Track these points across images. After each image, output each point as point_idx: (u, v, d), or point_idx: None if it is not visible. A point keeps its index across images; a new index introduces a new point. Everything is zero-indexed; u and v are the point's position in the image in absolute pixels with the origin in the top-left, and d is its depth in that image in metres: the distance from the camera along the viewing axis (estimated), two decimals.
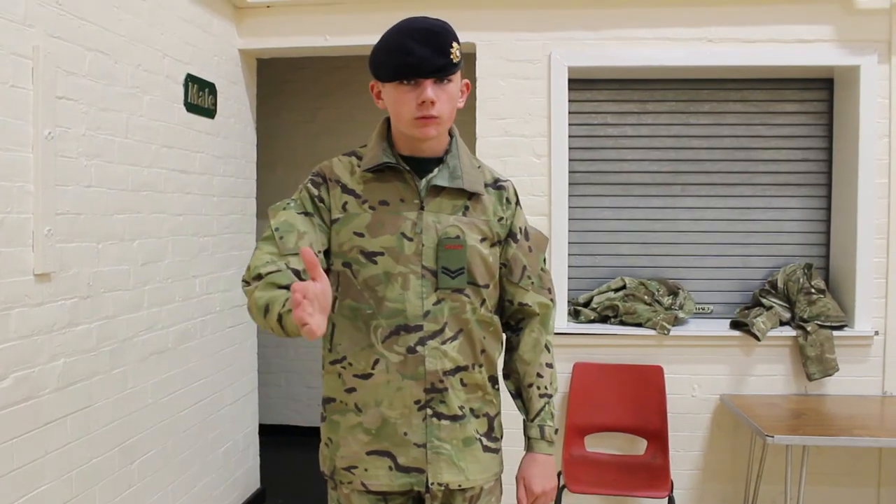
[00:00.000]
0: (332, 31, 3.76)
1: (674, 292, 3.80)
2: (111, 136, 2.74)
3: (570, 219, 3.77)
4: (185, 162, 3.28)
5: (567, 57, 3.68)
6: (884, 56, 3.57)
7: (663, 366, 3.66)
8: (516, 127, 3.71)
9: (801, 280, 3.68)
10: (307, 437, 4.84)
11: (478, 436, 1.78)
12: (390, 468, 1.72)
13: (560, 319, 3.68)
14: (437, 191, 1.72)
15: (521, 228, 1.84)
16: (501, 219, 1.79)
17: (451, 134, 1.77)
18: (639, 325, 3.69)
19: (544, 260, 1.91)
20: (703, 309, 3.90)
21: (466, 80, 1.74)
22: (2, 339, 2.21)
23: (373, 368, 1.70)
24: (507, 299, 1.85)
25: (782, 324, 3.67)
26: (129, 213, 2.87)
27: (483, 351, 1.77)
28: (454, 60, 1.62)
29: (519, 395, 1.89)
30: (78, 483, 2.56)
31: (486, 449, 1.79)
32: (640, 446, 3.67)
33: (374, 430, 1.72)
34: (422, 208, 1.70)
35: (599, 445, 3.70)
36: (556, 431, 1.88)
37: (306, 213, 1.71)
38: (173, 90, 3.17)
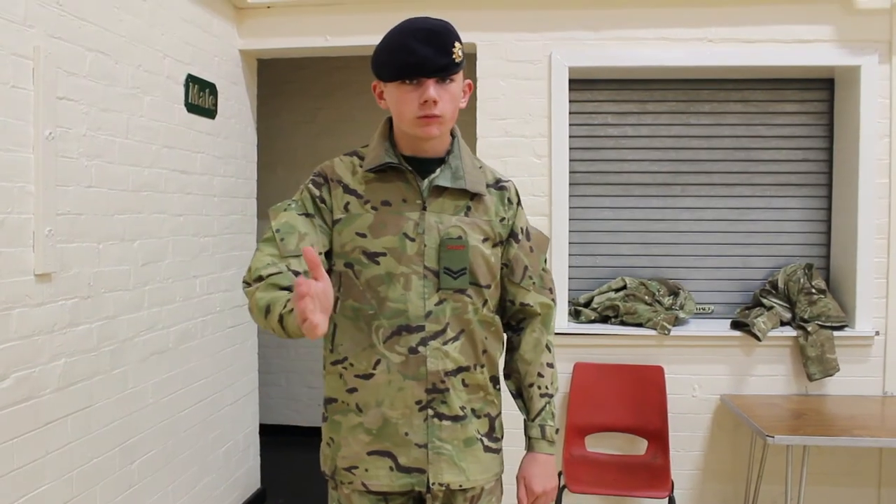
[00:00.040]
0: (333, 31, 3.76)
1: (674, 292, 3.80)
2: (112, 137, 2.74)
3: (570, 219, 3.77)
4: (185, 162, 3.28)
5: (567, 57, 3.68)
6: (884, 56, 3.57)
7: (664, 366, 3.66)
8: (517, 127, 3.71)
9: (802, 280, 3.68)
10: (308, 437, 4.85)
11: (479, 436, 1.78)
12: (391, 468, 1.72)
13: (560, 319, 3.68)
14: (439, 191, 1.72)
15: (522, 229, 1.84)
16: (503, 219, 1.79)
17: (453, 134, 1.77)
18: (639, 325, 3.69)
19: (545, 260, 1.91)
20: (704, 309, 3.90)
21: (469, 81, 1.74)
22: (2, 340, 2.21)
23: (374, 369, 1.70)
24: (509, 299, 1.85)
25: (783, 324, 3.67)
26: (130, 214, 2.87)
27: (485, 351, 1.77)
28: (456, 60, 1.62)
29: (520, 394, 1.89)
30: (78, 483, 2.56)
31: (487, 449, 1.79)
32: (640, 446, 3.67)
33: (375, 430, 1.72)
34: (424, 209, 1.70)
35: (600, 445, 3.70)
36: (557, 431, 1.88)
37: (307, 215, 1.71)
38: (174, 91, 3.17)
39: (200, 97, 3.38)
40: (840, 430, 3.12)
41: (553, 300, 1.89)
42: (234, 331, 3.81)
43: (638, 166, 3.93)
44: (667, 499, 3.26)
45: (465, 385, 1.74)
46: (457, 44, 1.62)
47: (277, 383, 5.40)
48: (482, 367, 1.78)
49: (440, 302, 1.70)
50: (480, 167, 1.81)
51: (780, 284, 3.73)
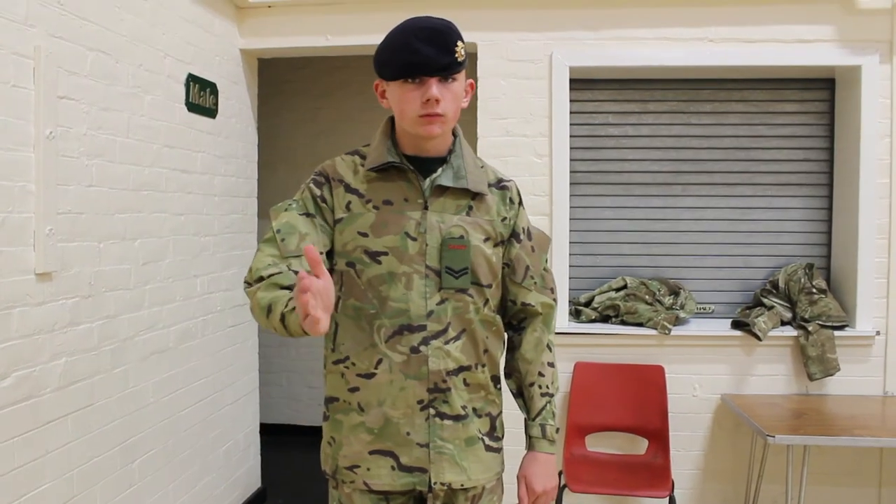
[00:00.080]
0: (333, 31, 3.76)
1: (675, 292, 3.80)
2: (112, 136, 2.74)
3: (571, 218, 3.77)
4: (186, 161, 3.28)
5: (568, 57, 3.68)
6: (885, 56, 3.56)
7: (664, 365, 3.66)
8: (517, 127, 3.71)
9: (803, 280, 3.68)
10: (308, 437, 4.85)
11: (480, 435, 1.78)
12: (393, 468, 1.72)
13: (561, 319, 3.68)
14: (441, 190, 1.72)
15: (524, 228, 1.84)
16: (505, 219, 1.79)
17: (454, 134, 1.77)
18: (640, 324, 3.69)
19: (546, 260, 1.91)
20: (705, 309, 3.90)
21: (471, 80, 1.74)
22: (3, 339, 2.21)
23: (376, 368, 1.70)
24: (510, 299, 1.85)
25: (783, 324, 3.67)
26: (131, 213, 2.87)
27: (486, 351, 1.78)
28: (459, 59, 1.62)
29: (520, 394, 1.89)
30: (79, 482, 2.56)
31: (488, 448, 1.79)
32: (640, 446, 3.67)
33: (376, 429, 1.72)
34: (426, 208, 1.70)
35: (600, 445, 3.70)
36: (558, 431, 1.88)
37: (308, 214, 1.71)
38: (175, 90, 3.17)
39: (201, 96, 3.38)
40: (841, 429, 3.12)
41: (554, 300, 1.90)
42: (235, 330, 3.81)
43: (639, 166, 3.93)
44: (667, 498, 3.26)
45: (466, 384, 1.75)
46: (459, 43, 1.62)
47: (278, 383, 5.40)
48: (483, 366, 1.78)
49: (442, 301, 1.70)
50: (482, 167, 1.81)
51: (781, 284, 3.73)
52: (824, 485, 3.64)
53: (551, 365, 1.88)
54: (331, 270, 1.74)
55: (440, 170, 1.73)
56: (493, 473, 1.81)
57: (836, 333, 3.57)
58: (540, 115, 3.70)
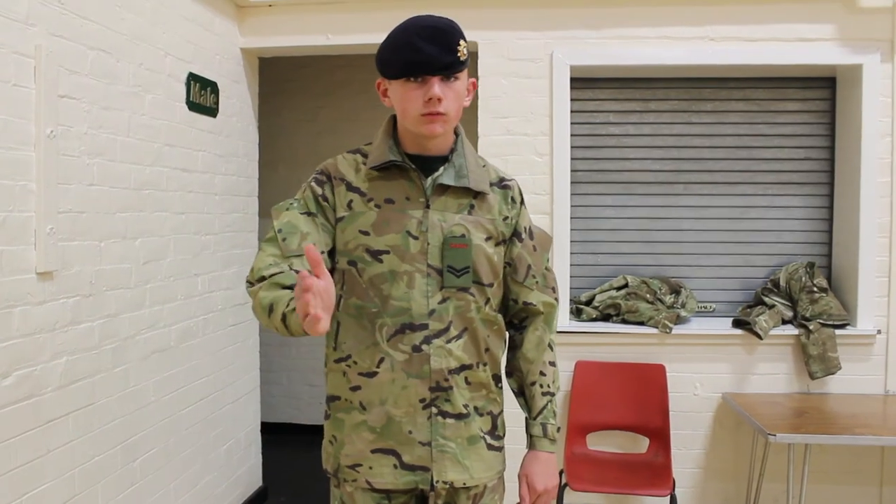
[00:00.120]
0: (334, 30, 3.76)
1: (676, 291, 3.80)
2: (113, 135, 2.74)
3: (572, 217, 3.77)
4: (187, 160, 3.28)
5: (569, 56, 3.67)
6: (886, 55, 3.56)
7: (665, 364, 3.66)
8: (518, 126, 3.71)
9: (804, 279, 3.68)
10: (309, 436, 4.85)
11: (482, 434, 1.78)
12: (395, 466, 1.72)
13: (562, 318, 3.68)
14: (442, 189, 1.72)
15: (525, 228, 1.84)
16: (506, 218, 1.79)
17: (456, 133, 1.77)
18: (641, 323, 3.69)
19: (548, 259, 1.91)
20: (706, 307, 3.89)
21: (473, 79, 1.74)
22: (4, 338, 2.21)
23: (378, 367, 1.70)
24: (512, 298, 1.85)
25: (784, 322, 3.67)
26: (132, 212, 2.87)
27: (487, 349, 1.77)
28: (461, 58, 1.62)
29: (521, 393, 1.89)
30: (80, 481, 2.56)
31: (489, 447, 1.79)
32: (642, 445, 3.67)
33: (378, 428, 1.72)
34: (427, 207, 1.70)
35: (601, 444, 3.70)
36: (559, 430, 1.88)
37: (309, 214, 1.71)
38: (175, 89, 3.17)
39: (202, 95, 3.38)
40: (842, 428, 3.12)
41: (556, 299, 1.89)
42: (236, 329, 3.81)
43: (639, 165, 3.93)
44: (668, 497, 3.26)
45: (468, 383, 1.74)
46: (462, 42, 1.62)
47: (279, 381, 5.40)
48: (485, 365, 1.78)
49: (443, 300, 1.69)
50: (484, 165, 1.81)
51: (782, 283, 3.73)
52: (825, 483, 3.64)
53: (552, 364, 1.88)
54: (332, 269, 1.75)
55: (442, 169, 1.73)
56: (494, 472, 1.81)
57: (838, 332, 3.57)
58: (541, 114, 3.70)
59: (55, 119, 2.39)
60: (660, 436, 3.58)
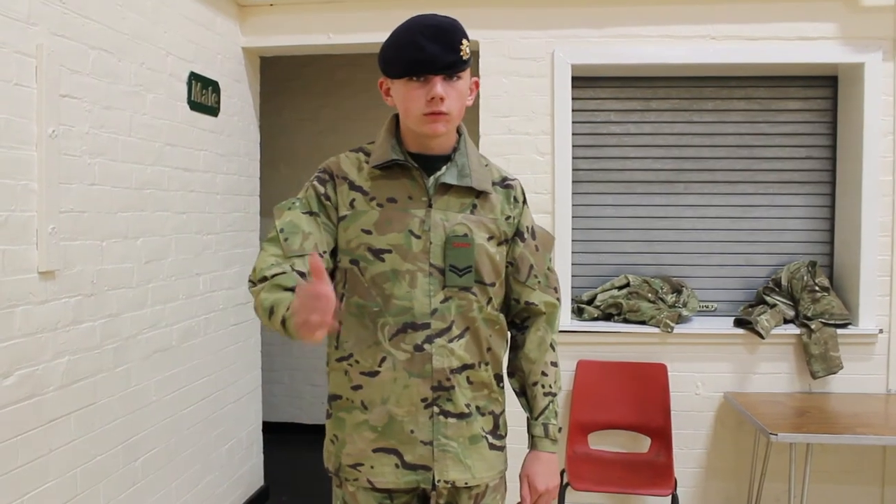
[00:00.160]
0: (335, 29, 3.76)
1: (677, 290, 3.80)
2: (115, 135, 2.74)
3: (573, 216, 3.77)
4: (188, 160, 3.28)
5: (570, 55, 3.67)
6: (888, 53, 3.56)
7: (667, 363, 3.66)
8: (520, 125, 3.71)
9: (805, 278, 3.68)
10: (311, 435, 4.84)
11: (484, 433, 1.78)
12: (396, 466, 1.72)
13: (564, 317, 3.67)
14: (445, 188, 1.72)
15: (528, 227, 1.83)
16: (509, 217, 1.79)
17: (459, 132, 1.77)
18: (642, 322, 3.68)
19: (550, 259, 1.91)
20: (707, 307, 3.89)
21: (476, 78, 1.74)
22: (6, 337, 2.21)
23: (380, 366, 1.70)
24: (514, 298, 1.85)
25: (786, 322, 3.67)
26: (133, 211, 2.87)
27: (489, 349, 1.77)
28: (464, 57, 1.62)
29: (523, 393, 1.88)
30: (82, 480, 2.56)
31: (491, 447, 1.79)
32: (643, 444, 3.66)
33: (380, 427, 1.72)
34: (430, 206, 1.70)
35: (603, 443, 3.70)
36: (560, 430, 1.88)
37: (311, 213, 1.71)
38: (177, 88, 3.17)
39: (203, 95, 3.38)
40: (843, 427, 3.12)
41: (558, 299, 1.89)
42: (238, 328, 3.81)
43: (641, 164, 3.93)
44: (670, 497, 3.26)
45: (469, 382, 1.74)
46: (464, 41, 1.62)
47: (281, 381, 5.40)
48: (487, 364, 1.77)
49: (445, 299, 1.69)
50: (486, 165, 1.81)
51: (784, 282, 3.73)
52: (827, 483, 3.64)
53: (554, 364, 1.87)
54: (334, 268, 1.75)
55: (444, 168, 1.73)
56: (496, 472, 1.81)
57: (839, 331, 3.56)
58: (542, 113, 3.70)
59: (57, 118, 2.39)
60: (661, 435, 3.58)
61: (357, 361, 1.72)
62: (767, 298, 3.73)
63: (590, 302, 3.84)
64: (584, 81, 3.84)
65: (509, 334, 1.90)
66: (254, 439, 4.06)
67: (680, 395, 3.66)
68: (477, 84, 1.75)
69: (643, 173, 3.93)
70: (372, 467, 1.73)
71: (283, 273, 1.59)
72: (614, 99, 3.93)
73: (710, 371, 3.68)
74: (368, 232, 1.69)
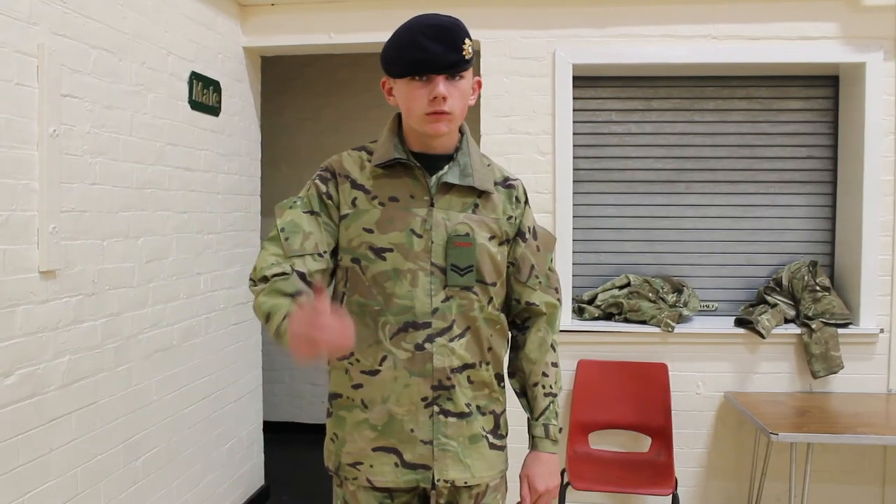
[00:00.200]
0: (336, 28, 3.76)
1: (678, 290, 3.80)
2: (116, 134, 2.74)
3: (574, 216, 3.77)
4: (189, 159, 3.28)
5: (571, 54, 3.67)
6: (890, 53, 3.56)
7: (667, 363, 3.66)
8: (521, 124, 3.71)
9: (806, 277, 3.68)
10: (312, 434, 4.84)
11: (484, 433, 1.78)
12: (396, 465, 1.72)
13: (564, 317, 3.67)
14: (447, 188, 1.72)
15: (529, 227, 1.83)
16: (510, 217, 1.79)
17: (461, 131, 1.77)
18: (643, 322, 3.68)
19: (552, 259, 1.90)
20: (708, 306, 3.89)
21: (478, 78, 1.74)
22: (7, 336, 2.21)
23: (380, 365, 1.70)
24: (515, 298, 1.85)
25: (787, 321, 3.67)
26: (134, 211, 2.87)
27: (490, 349, 1.77)
28: (466, 57, 1.62)
29: (524, 393, 1.88)
30: (83, 480, 2.56)
31: (492, 446, 1.79)
32: (644, 444, 3.66)
33: (380, 426, 1.72)
34: (432, 205, 1.70)
35: (603, 443, 3.70)
36: (561, 430, 1.88)
37: (312, 213, 1.71)
38: (178, 88, 3.17)
39: (204, 94, 3.38)
40: (844, 427, 3.12)
41: (559, 300, 1.89)
42: (238, 328, 3.81)
43: (642, 163, 3.93)
44: (670, 496, 3.26)
45: (470, 382, 1.74)
46: (467, 40, 1.62)
47: (281, 380, 5.41)
48: (487, 364, 1.77)
49: (447, 299, 1.69)
50: (489, 165, 1.81)
51: (785, 282, 3.73)
52: (827, 482, 3.64)
53: (555, 365, 1.87)
54: (335, 268, 1.75)
55: (447, 167, 1.73)
56: (496, 471, 1.81)
57: (840, 331, 3.56)
58: (543, 113, 3.70)
59: (58, 118, 2.39)
60: (662, 435, 3.58)
61: (358, 360, 1.72)
62: (768, 298, 3.73)
63: (590, 301, 3.84)
64: (585, 81, 3.84)
65: (510, 334, 1.90)
66: (254, 439, 4.07)
67: (680, 394, 3.66)
68: (480, 83, 1.75)
69: (644, 173, 3.93)
70: (371, 466, 1.73)
71: (284, 274, 1.60)
72: (615, 98, 3.93)
73: (711, 371, 3.68)
74: (370, 231, 1.69)
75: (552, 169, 3.70)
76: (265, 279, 1.61)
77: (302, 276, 1.63)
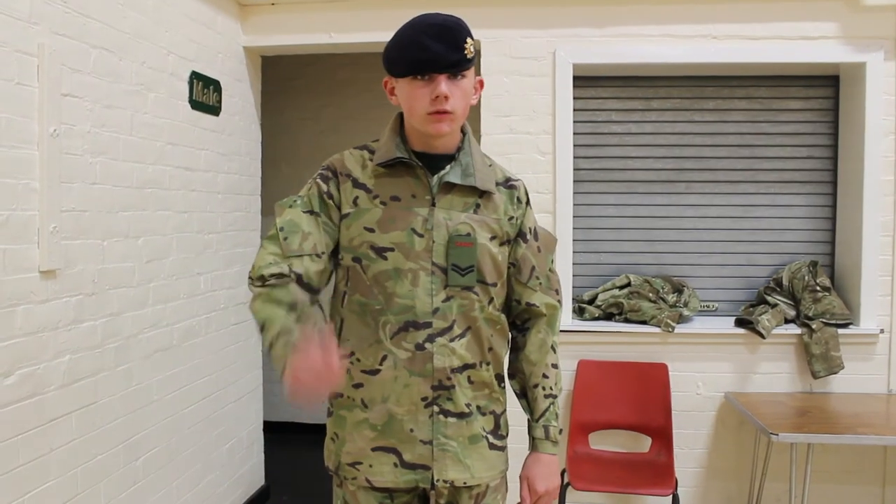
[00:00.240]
0: (337, 28, 3.75)
1: (678, 290, 3.80)
2: (116, 134, 2.74)
3: (574, 216, 3.77)
4: (189, 159, 3.28)
5: (572, 54, 3.67)
6: (890, 53, 3.55)
7: (668, 363, 3.65)
8: (521, 124, 3.71)
9: (807, 278, 3.68)
10: (312, 434, 4.83)
11: (484, 433, 1.77)
12: (395, 465, 1.72)
13: (564, 317, 3.67)
14: (448, 188, 1.72)
15: (530, 228, 1.83)
16: (512, 218, 1.79)
17: (463, 131, 1.77)
18: (643, 322, 3.68)
19: (552, 261, 1.90)
20: (708, 306, 3.89)
21: (480, 77, 1.73)
22: (7, 336, 2.21)
23: (381, 364, 1.70)
24: (515, 299, 1.85)
25: (787, 321, 3.66)
26: (134, 211, 2.87)
27: (490, 349, 1.77)
28: (468, 56, 1.62)
29: (524, 395, 1.88)
30: (82, 480, 2.56)
31: (492, 447, 1.79)
32: (644, 444, 3.66)
33: (380, 426, 1.72)
34: (433, 205, 1.70)
35: (604, 443, 3.70)
36: (561, 432, 1.87)
37: (312, 213, 1.71)
38: (178, 87, 3.17)
39: (204, 94, 3.38)
40: (844, 427, 3.12)
41: (559, 301, 1.89)
42: (239, 328, 3.81)
43: (642, 163, 3.93)
44: (670, 496, 3.26)
45: (470, 382, 1.74)
46: (469, 40, 1.62)
47: (281, 380, 5.39)
48: (488, 364, 1.77)
49: (447, 299, 1.69)
50: (490, 165, 1.81)
51: (785, 282, 3.73)
52: (828, 483, 3.64)
53: (555, 366, 1.87)
54: (335, 267, 1.75)
55: (448, 167, 1.73)
56: (496, 472, 1.81)
57: (840, 331, 3.56)
58: (543, 113, 3.70)
59: (58, 118, 2.39)
60: (662, 435, 3.58)
61: (358, 359, 1.72)
62: (768, 298, 3.73)
63: (591, 301, 3.84)
64: (585, 81, 3.83)
65: (511, 335, 1.90)
66: (254, 438, 4.07)
67: (681, 394, 3.66)
68: (481, 83, 1.75)
69: (644, 173, 3.93)
70: (371, 466, 1.73)
71: (282, 274, 1.61)
72: (615, 98, 3.93)
73: (711, 371, 3.68)
74: (371, 230, 1.69)
75: (552, 169, 3.70)
76: (262, 278, 1.61)
77: (299, 276, 1.63)
